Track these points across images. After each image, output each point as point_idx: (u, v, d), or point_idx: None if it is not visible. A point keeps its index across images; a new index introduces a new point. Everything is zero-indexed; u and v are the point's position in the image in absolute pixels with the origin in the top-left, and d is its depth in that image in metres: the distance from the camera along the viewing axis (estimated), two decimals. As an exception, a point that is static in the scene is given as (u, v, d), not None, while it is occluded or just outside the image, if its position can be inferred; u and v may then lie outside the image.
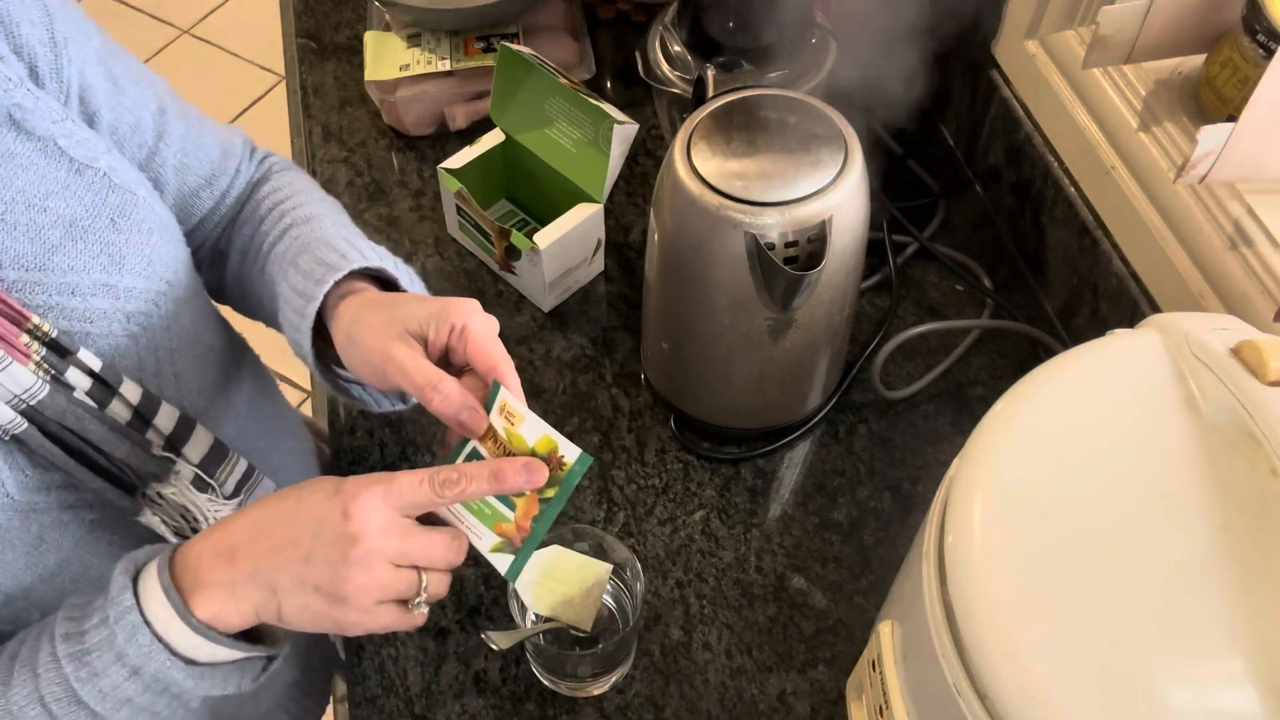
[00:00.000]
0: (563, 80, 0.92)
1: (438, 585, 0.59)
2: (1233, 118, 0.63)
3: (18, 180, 0.57)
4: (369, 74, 1.08)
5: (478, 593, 0.82)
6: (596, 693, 0.77)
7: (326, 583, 0.55)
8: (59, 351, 0.58)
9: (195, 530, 0.66)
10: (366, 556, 0.55)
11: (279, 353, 0.92)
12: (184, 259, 0.68)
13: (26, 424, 0.56)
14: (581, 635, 0.74)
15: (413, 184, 1.07)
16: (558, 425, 0.90)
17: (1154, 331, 0.55)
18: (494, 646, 0.71)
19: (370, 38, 1.11)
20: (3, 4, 0.58)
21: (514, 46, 0.94)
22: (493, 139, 0.98)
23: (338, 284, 0.67)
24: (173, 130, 0.71)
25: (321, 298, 0.67)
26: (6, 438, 0.56)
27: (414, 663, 0.78)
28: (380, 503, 0.56)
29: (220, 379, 0.73)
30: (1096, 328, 0.89)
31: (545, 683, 0.77)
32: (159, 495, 0.64)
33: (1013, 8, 0.94)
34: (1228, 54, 0.75)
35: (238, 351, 0.79)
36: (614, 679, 0.77)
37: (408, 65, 1.08)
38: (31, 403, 0.56)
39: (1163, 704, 0.44)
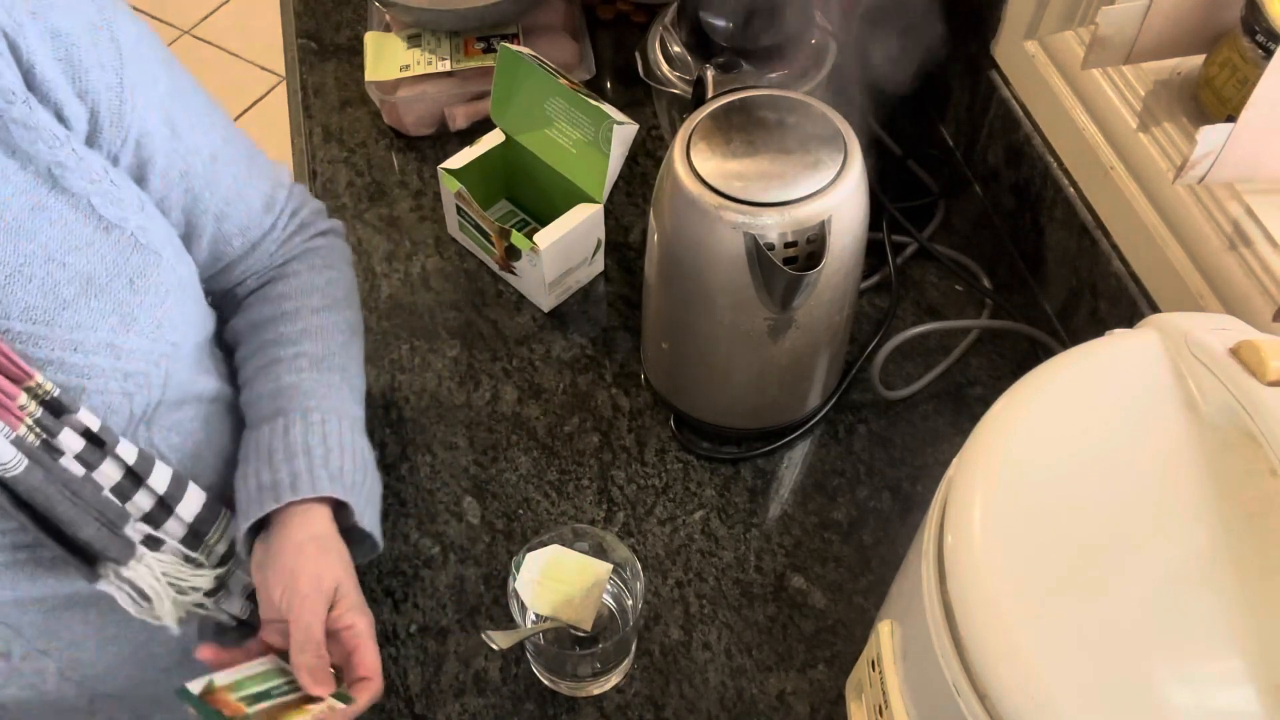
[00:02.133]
0: (562, 81, 0.92)
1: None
2: (1232, 118, 0.63)
3: (42, 235, 0.57)
4: (369, 74, 1.08)
5: (478, 592, 0.82)
6: (596, 693, 0.77)
7: None
8: (55, 411, 0.58)
9: (146, 606, 0.67)
10: None
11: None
12: (195, 319, 0.68)
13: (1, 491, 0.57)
14: (581, 635, 0.74)
15: (413, 184, 1.07)
16: (558, 425, 0.90)
17: (1153, 331, 0.55)
18: (494, 646, 0.71)
19: (370, 38, 1.11)
20: (75, 49, 0.57)
21: (514, 47, 0.94)
22: (493, 139, 0.99)
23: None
24: (221, 180, 0.70)
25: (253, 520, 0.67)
26: None
27: (414, 663, 0.78)
28: None
29: (206, 425, 0.72)
30: (1095, 328, 0.89)
31: (545, 683, 0.77)
32: (116, 574, 0.64)
33: (1012, 8, 0.94)
34: (1227, 54, 0.75)
35: (224, 400, 0.76)
36: (614, 679, 0.77)
37: (408, 66, 1.08)
38: (4, 477, 0.57)
39: (1162, 704, 0.44)
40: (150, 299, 0.62)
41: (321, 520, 0.68)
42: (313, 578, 0.64)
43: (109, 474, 0.61)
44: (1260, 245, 0.74)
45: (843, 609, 0.80)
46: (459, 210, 0.98)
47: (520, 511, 0.86)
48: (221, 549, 0.69)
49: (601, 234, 0.96)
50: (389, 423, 0.91)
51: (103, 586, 0.64)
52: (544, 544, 0.74)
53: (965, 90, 1.04)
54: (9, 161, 0.56)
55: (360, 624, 0.65)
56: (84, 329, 0.59)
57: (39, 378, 0.57)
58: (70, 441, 0.59)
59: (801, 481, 0.87)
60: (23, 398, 0.56)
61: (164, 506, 0.65)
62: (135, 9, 0.72)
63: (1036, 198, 0.94)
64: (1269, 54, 0.70)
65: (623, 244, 1.02)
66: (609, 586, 0.76)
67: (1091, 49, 0.78)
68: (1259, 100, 0.62)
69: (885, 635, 0.61)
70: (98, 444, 0.60)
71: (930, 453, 0.88)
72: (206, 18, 2.69)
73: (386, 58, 1.09)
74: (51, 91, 0.57)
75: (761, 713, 0.76)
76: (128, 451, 0.62)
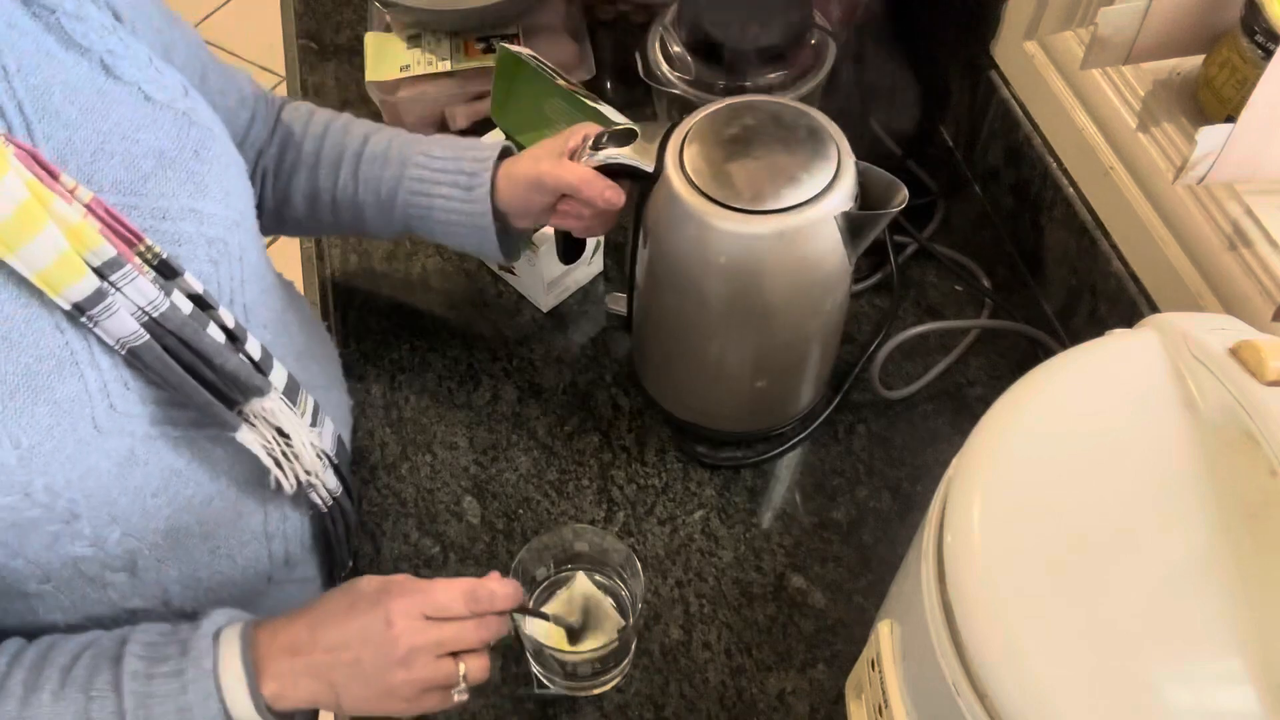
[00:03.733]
0: (561, 82, 0.92)
1: (477, 671, 0.66)
2: (1231, 118, 0.64)
3: (112, 114, 0.61)
4: (370, 75, 1.08)
5: (478, 592, 0.82)
6: (596, 693, 0.77)
7: (375, 679, 0.63)
8: (166, 273, 0.60)
9: (285, 454, 0.69)
10: (407, 656, 0.62)
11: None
12: (251, 196, 0.71)
13: (147, 337, 0.58)
14: (579, 633, 0.74)
15: (413, 184, 1.07)
16: (558, 425, 0.90)
17: (1152, 331, 0.55)
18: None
19: (371, 38, 1.11)
20: None
21: (513, 48, 0.94)
22: (493, 139, 0.98)
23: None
24: (209, 65, 0.77)
25: (492, 166, 0.80)
26: (123, 351, 0.58)
27: (414, 662, 0.78)
28: (417, 610, 0.63)
29: (280, 315, 0.75)
30: (1095, 328, 0.89)
31: (545, 683, 0.77)
32: (259, 411, 0.67)
33: (1012, 8, 0.94)
34: (1226, 55, 0.75)
35: (291, 293, 0.83)
36: (614, 679, 0.77)
37: (408, 66, 1.08)
38: (155, 315, 0.58)
39: (1162, 704, 0.44)
40: (215, 168, 0.66)
41: None
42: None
43: (216, 335, 0.64)
44: (1260, 245, 0.74)
45: (843, 609, 0.80)
46: (459, 210, 0.97)
47: (520, 511, 0.86)
48: (308, 420, 0.72)
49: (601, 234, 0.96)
50: (389, 423, 0.91)
51: (243, 434, 0.66)
52: (542, 553, 0.74)
53: (965, 90, 1.04)
54: (69, 54, 0.60)
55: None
56: (167, 197, 0.62)
57: (148, 240, 0.59)
58: (181, 303, 0.61)
59: (801, 481, 0.87)
60: (136, 260, 0.58)
61: (259, 371, 0.67)
62: (136, 9, 0.74)
63: (1036, 198, 0.94)
64: (1268, 54, 0.70)
65: (622, 244, 1.02)
66: (606, 584, 0.76)
67: (1091, 49, 0.78)
68: (1258, 100, 0.62)
69: (885, 635, 0.61)
70: (203, 307, 0.63)
71: (930, 453, 0.88)
72: (207, 18, 2.69)
73: (387, 58, 1.09)
74: None
75: (761, 713, 0.76)
76: (227, 317, 0.64)
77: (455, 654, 0.65)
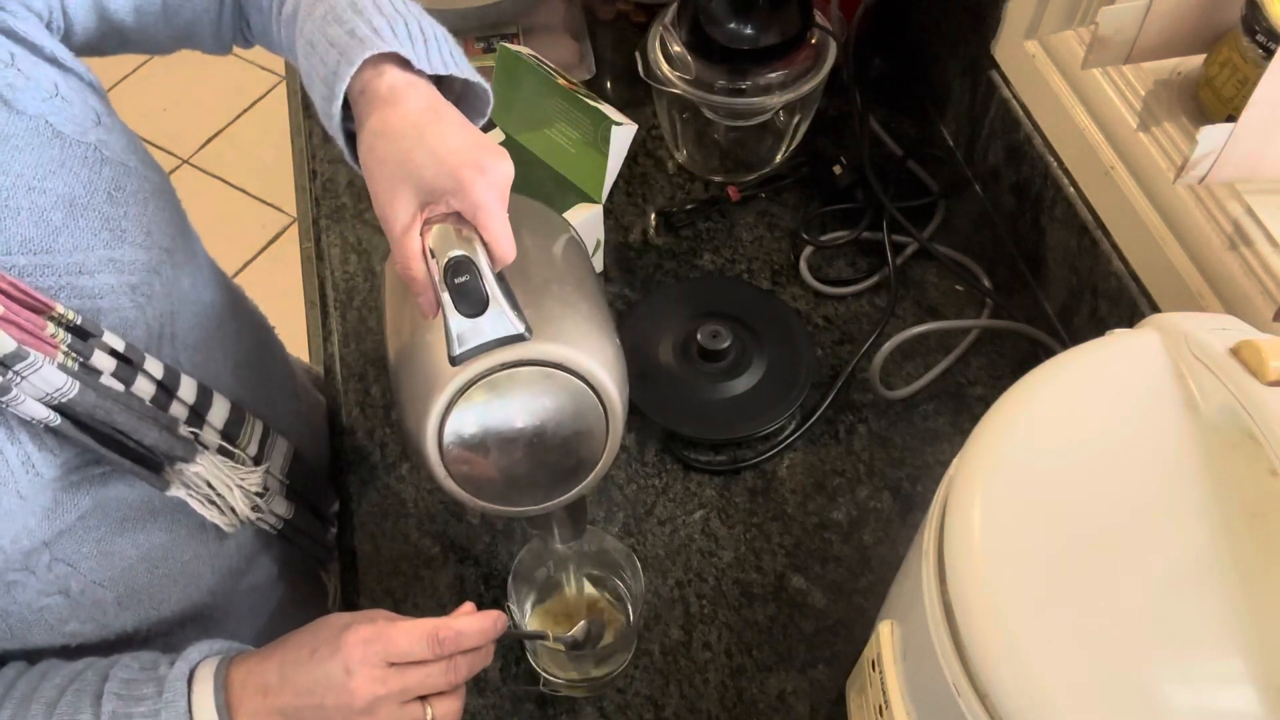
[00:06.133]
0: (561, 81, 0.92)
1: (445, 715, 0.63)
2: (1232, 118, 0.63)
3: (15, 164, 0.58)
4: (369, 74, 1.08)
5: (478, 592, 0.82)
6: (596, 692, 0.76)
7: None
8: (83, 335, 0.59)
9: (216, 501, 0.69)
10: (370, 706, 0.60)
11: (287, 337, 0.94)
12: (180, 222, 0.69)
13: (60, 418, 0.58)
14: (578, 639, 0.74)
15: (413, 184, 1.07)
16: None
17: (1153, 331, 0.55)
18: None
19: (370, 38, 1.11)
20: None
21: (513, 47, 0.94)
22: (493, 139, 0.98)
23: (360, 69, 0.61)
24: None
25: (343, 95, 0.62)
26: (42, 428, 0.58)
27: (414, 663, 0.78)
28: (376, 659, 0.61)
29: (217, 331, 0.74)
30: (1096, 328, 0.89)
31: (545, 682, 0.77)
32: (183, 472, 0.66)
33: (1012, 8, 0.94)
34: (1227, 54, 0.75)
35: (233, 301, 0.79)
36: (614, 679, 0.77)
37: (408, 65, 1.08)
38: (63, 400, 0.58)
39: (1162, 704, 0.44)
40: (132, 209, 0.63)
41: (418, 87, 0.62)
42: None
43: (144, 389, 0.63)
44: (1260, 245, 0.74)
45: (843, 609, 0.80)
46: (459, 210, 0.97)
47: (520, 511, 0.86)
48: (253, 450, 0.72)
49: (601, 234, 0.96)
50: (389, 422, 0.91)
51: (173, 493, 0.66)
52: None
53: (965, 90, 1.04)
54: None
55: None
56: (82, 250, 0.60)
57: (60, 307, 0.58)
58: (103, 363, 0.60)
59: (801, 481, 0.87)
60: (50, 327, 0.57)
61: (197, 415, 0.66)
62: (135, 9, 0.73)
63: (1036, 198, 0.94)
64: (1269, 54, 0.70)
65: (623, 244, 1.02)
66: (607, 586, 0.76)
67: (1092, 49, 0.78)
68: (1259, 100, 0.62)
69: (885, 635, 0.61)
70: (127, 362, 0.62)
71: (930, 453, 0.88)
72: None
73: (386, 58, 1.09)
74: None
75: (761, 713, 0.76)
76: (155, 367, 0.63)
77: (425, 696, 0.63)
